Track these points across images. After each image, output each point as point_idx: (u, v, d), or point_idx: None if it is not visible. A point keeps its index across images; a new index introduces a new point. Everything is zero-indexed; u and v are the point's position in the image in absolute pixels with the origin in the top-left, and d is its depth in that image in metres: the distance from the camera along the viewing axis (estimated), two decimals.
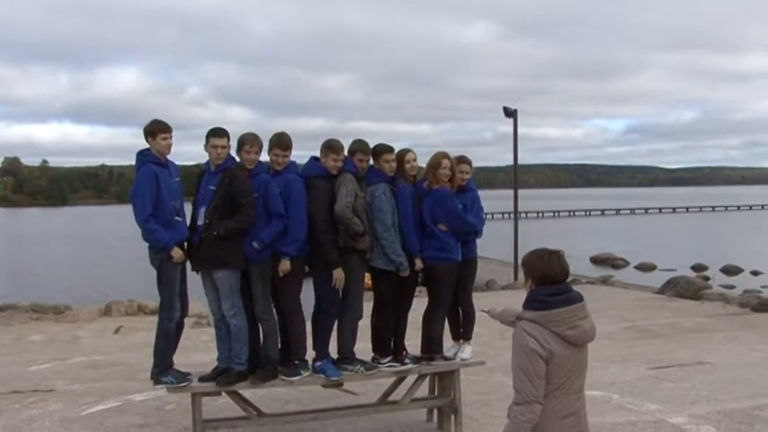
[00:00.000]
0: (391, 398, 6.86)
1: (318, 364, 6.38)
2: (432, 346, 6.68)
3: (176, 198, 6.20)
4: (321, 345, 6.43)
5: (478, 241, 6.97)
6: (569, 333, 3.48)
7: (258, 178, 6.15)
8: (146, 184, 6.01)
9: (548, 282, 3.57)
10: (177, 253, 6.02)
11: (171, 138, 6.23)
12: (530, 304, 3.57)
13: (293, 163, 6.37)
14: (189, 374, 6.15)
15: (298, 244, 6.18)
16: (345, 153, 6.41)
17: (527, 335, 3.47)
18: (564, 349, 3.48)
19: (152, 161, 6.12)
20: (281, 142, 6.26)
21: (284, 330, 6.35)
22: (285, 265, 6.16)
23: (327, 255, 6.25)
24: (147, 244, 6.09)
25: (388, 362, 6.57)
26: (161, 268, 6.06)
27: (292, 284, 6.26)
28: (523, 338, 3.47)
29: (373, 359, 6.60)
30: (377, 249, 6.43)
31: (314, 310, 6.54)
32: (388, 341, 6.69)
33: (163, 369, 6.10)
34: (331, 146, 6.35)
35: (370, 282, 6.73)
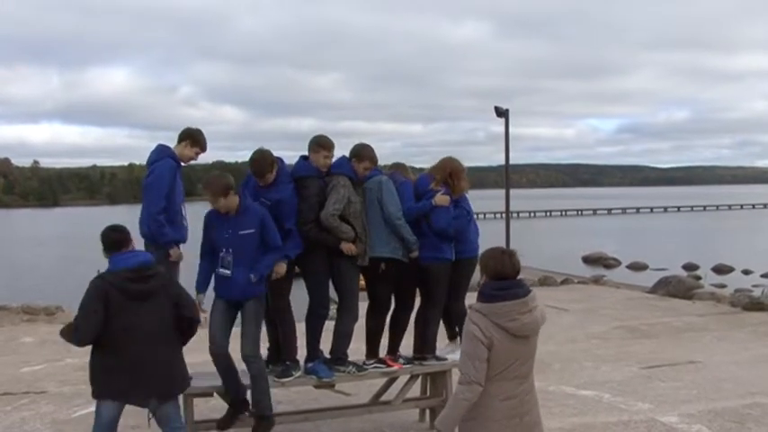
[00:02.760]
0: (383, 398, 6.87)
1: (310, 365, 6.37)
2: (425, 347, 6.69)
3: (182, 200, 6.19)
4: (312, 346, 6.42)
5: None
6: (509, 325, 3.80)
7: (252, 211, 5.85)
8: (165, 177, 5.96)
9: (499, 278, 3.90)
10: (176, 252, 6.00)
11: (197, 157, 6.29)
12: (479, 296, 3.93)
13: (285, 172, 6.21)
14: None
15: (299, 249, 6.17)
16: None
17: (472, 323, 3.84)
18: (505, 339, 3.80)
19: (172, 157, 6.09)
20: (255, 171, 6.08)
21: (275, 331, 6.35)
22: (282, 268, 6.09)
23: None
24: (142, 240, 6.04)
25: (373, 364, 6.57)
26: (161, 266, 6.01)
27: (282, 285, 6.23)
28: (469, 326, 3.85)
29: (361, 363, 6.61)
30: (381, 238, 6.39)
31: (308, 311, 6.55)
32: (378, 342, 6.69)
33: None
34: (321, 142, 6.26)
35: (362, 282, 6.74)
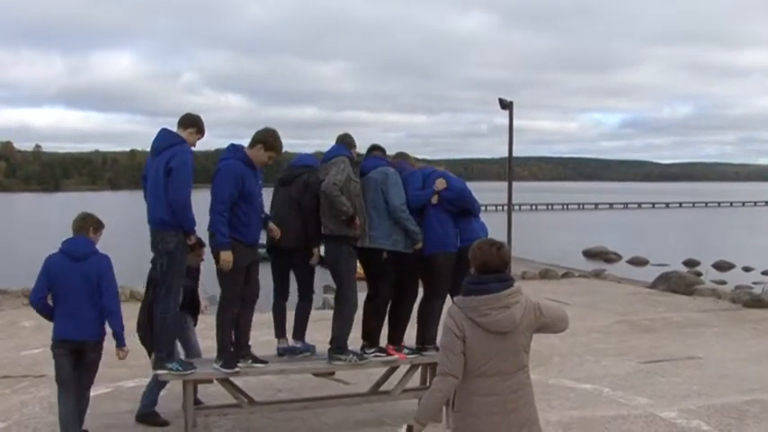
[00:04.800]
0: (383, 388, 6.86)
1: (300, 345, 6.55)
2: (426, 337, 6.69)
3: None
4: (301, 329, 6.68)
5: None
6: (480, 320, 3.75)
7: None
8: (189, 162, 5.93)
9: (486, 270, 3.85)
10: (197, 238, 6.03)
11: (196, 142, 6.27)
12: (461, 290, 3.91)
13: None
14: (193, 363, 6.13)
15: None
16: None
17: (449, 316, 3.86)
18: (479, 333, 3.76)
19: (185, 143, 6.06)
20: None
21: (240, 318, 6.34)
22: None
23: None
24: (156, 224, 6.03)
25: (373, 353, 6.58)
26: (176, 252, 5.95)
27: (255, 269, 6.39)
28: (446, 319, 3.87)
29: (362, 348, 6.62)
30: (383, 230, 6.42)
31: (276, 298, 6.73)
32: (378, 331, 6.69)
33: (169, 354, 6.05)
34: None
35: (361, 271, 6.74)
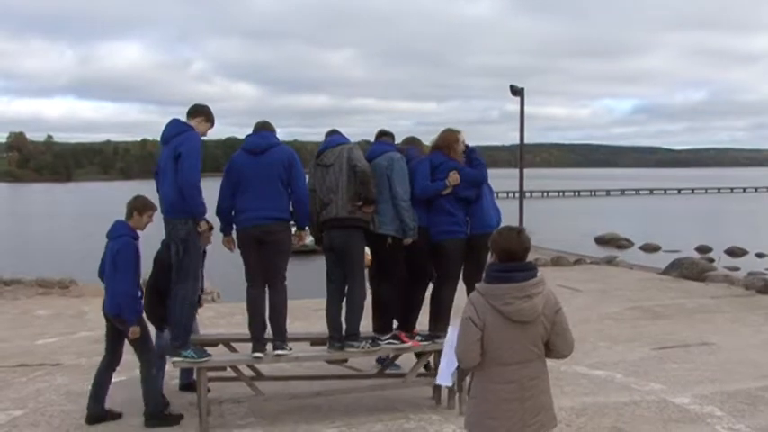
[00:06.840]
0: (398, 375, 6.89)
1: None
2: (439, 324, 6.68)
3: None
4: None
5: None
6: (504, 308, 3.75)
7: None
8: (198, 149, 5.98)
9: (508, 256, 3.86)
10: (207, 224, 6.06)
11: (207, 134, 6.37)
12: (483, 277, 3.93)
13: None
14: (207, 351, 6.15)
15: None
16: None
17: (470, 303, 3.86)
18: (500, 322, 3.76)
19: (194, 131, 6.11)
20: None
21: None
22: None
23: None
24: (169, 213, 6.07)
25: (387, 339, 6.58)
26: (188, 239, 5.99)
27: None
28: (467, 306, 3.87)
29: (374, 338, 6.62)
30: (387, 215, 6.39)
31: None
32: (390, 317, 6.69)
33: (184, 342, 6.07)
34: None
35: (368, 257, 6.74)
